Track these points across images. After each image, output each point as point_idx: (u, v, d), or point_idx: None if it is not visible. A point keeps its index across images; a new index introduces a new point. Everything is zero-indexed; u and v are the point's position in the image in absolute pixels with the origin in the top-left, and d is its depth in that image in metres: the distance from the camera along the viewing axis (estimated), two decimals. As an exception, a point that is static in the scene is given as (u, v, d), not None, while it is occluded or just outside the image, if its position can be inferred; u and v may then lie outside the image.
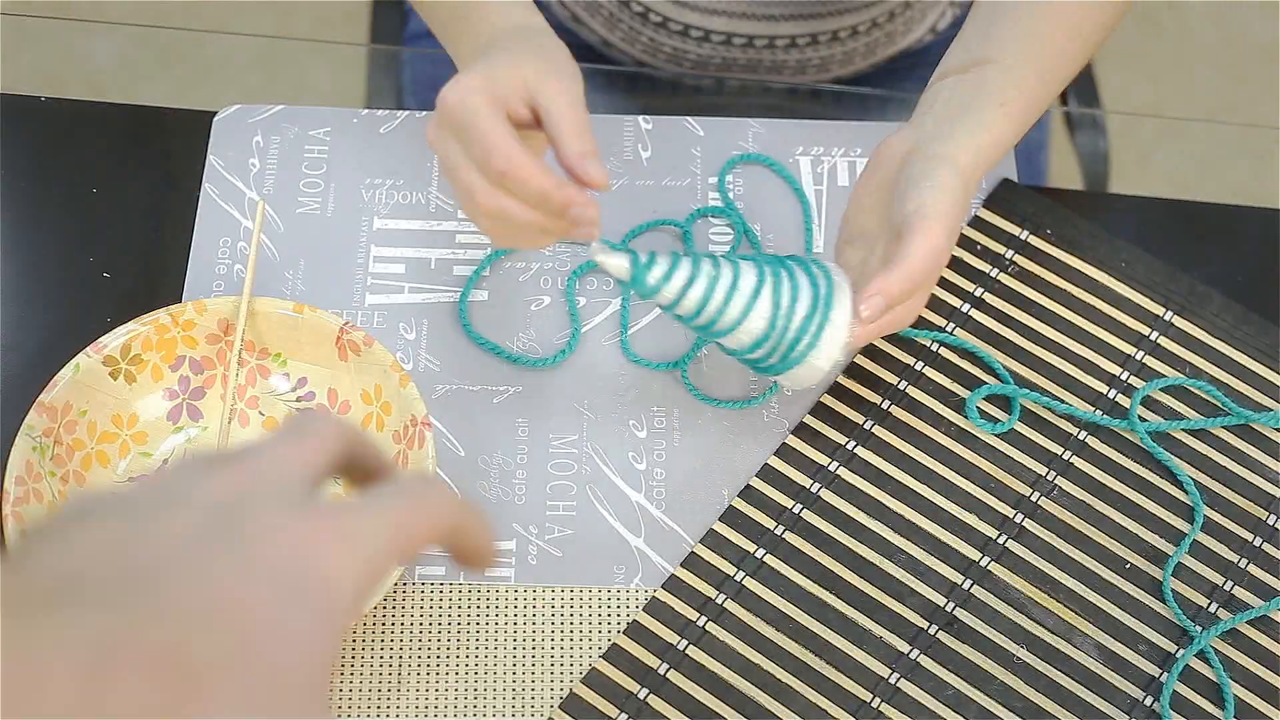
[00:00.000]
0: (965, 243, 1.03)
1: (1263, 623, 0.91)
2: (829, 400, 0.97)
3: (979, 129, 0.92)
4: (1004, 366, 0.98)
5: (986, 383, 0.98)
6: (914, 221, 0.88)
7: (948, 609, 0.91)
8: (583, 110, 0.85)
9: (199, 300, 0.95)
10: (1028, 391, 0.97)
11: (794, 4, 1.18)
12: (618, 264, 0.86)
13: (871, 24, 1.21)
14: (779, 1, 1.17)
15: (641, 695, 0.87)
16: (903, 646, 0.89)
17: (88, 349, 0.92)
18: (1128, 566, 0.93)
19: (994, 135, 0.93)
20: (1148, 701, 0.88)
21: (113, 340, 0.92)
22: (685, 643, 0.89)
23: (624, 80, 1.22)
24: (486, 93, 0.84)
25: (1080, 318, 1.01)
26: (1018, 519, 0.94)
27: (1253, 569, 0.93)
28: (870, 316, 0.88)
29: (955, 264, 1.02)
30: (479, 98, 0.83)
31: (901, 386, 0.98)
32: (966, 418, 0.96)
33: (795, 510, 0.93)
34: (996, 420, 0.97)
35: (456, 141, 0.84)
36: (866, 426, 0.96)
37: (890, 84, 1.28)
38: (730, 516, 0.93)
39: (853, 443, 0.96)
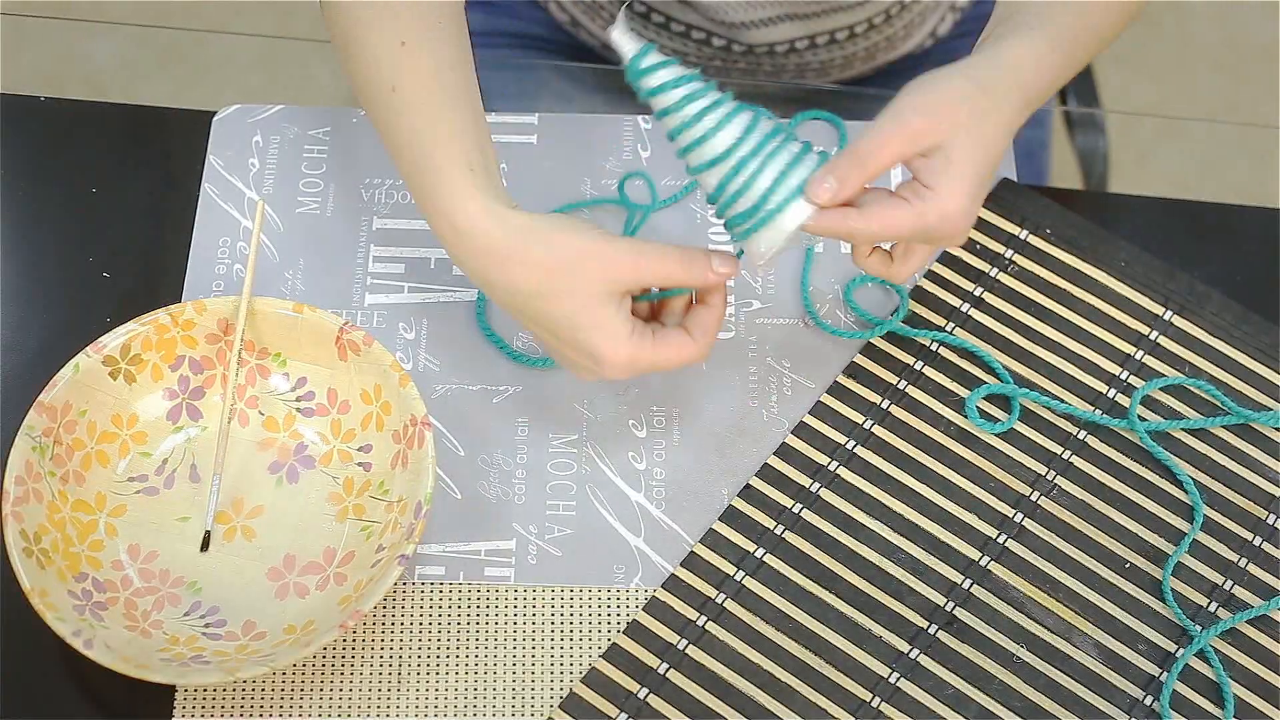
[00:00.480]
0: (966, 243, 1.03)
1: (1263, 622, 0.91)
2: (829, 400, 0.97)
3: (1002, 41, 0.87)
4: (1004, 366, 0.98)
5: (986, 382, 0.98)
6: (888, 109, 0.85)
7: (948, 608, 0.91)
8: (661, 255, 0.86)
9: (199, 300, 0.95)
10: (1027, 391, 0.97)
11: (789, 2, 1.18)
12: (624, 46, 0.86)
13: (869, 25, 1.21)
14: (774, 1, 1.17)
15: (641, 695, 0.87)
16: (903, 646, 0.89)
17: (88, 349, 0.92)
18: (1128, 566, 0.93)
19: (1026, 47, 0.86)
20: (1148, 701, 0.88)
21: (112, 340, 0.92)
22: (685, 642, 0.89)
23: (624, 80, 1.22)
24: (636, 343, 0.85)
25: (1080, 317, 1.01)
26: (1018, 519, 0.94)
27: (1253, 568, 0.93)
28: (822, 197, 0.83)
29: (955, 264, 1.02)
30: (642, 355, 0.85)
31: (901, 386, 0.98)
32: (966, 417, 0.96)
33: (795, 510, 0.93)
34: (996, 420, 0.97)
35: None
36: (866, 426, 0.96)
37: (892, 85, 1.27)
38: (730, 516, 0.93)
39: (853, 442, 0.96)
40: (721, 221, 0.87)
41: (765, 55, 1.22)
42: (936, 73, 0.86)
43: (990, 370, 0.98)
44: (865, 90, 1.24)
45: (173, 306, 0.94)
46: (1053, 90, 0.90)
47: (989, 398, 0.98)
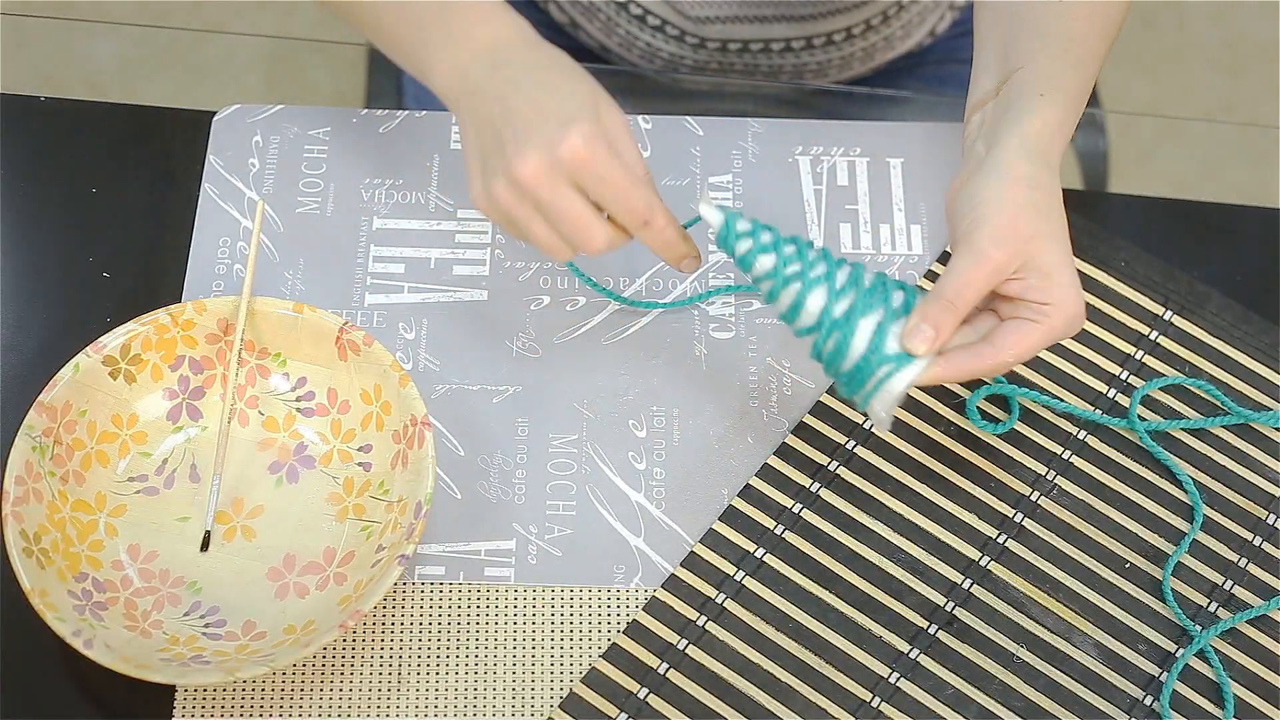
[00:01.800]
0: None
1: (1263, 622, 0.91)
2: (829, 400, 0.97)
3: (1021, 119, 0.88)
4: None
5: (986, 382, 0.98)
6: (959, 240, 0.86)
7: (947, 609, 0.91)
8: (629, 175, 0.85)
9: (199, 300, 0.95)
10: (1027, 390, 0.97)
11: (784, 4, 1.18)
12: (711, 218, 0.87)
13: (866, 26, 1.21)
14: (769, 2, 1.17)
15: (641, 695, 0.87)
16: (903, 646, 0.89)
17: (87, 349, 0.92)
18: (1127, 566, 0.93)
19: (1042, 120, 0.88)
20: (1147, 701, 0.88)
21: (112, 340, 0.92)
22: (685, 642, 0.89)
23: (624, 80, 1.22)
24: (604, 140, 0.84)
25: (1080, 317, 1.01)
26: (1018, 519, 0.94)
27: (1252, 568, 0.93)
28: (919, 348, 0.84)
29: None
30: (604, 148, 0.83)
31: (901, 386, 0.98)
32: (967, 417, 0.96)
33: (795, 510, 0.93)
34: (997, 420, 0.97)
35: (574, 189, 0.84)
36: (866, 426, 0.96)
37: (891, 84, 1.27)
38: (730, 516, 0.93)
39: (853, 443, 0.96)
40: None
41: (761, 54, 1.22)
42: (981, 183, 0.86)
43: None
44: (866, 90, 1.24)
45: (173, 306, 0.94)
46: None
47: (989, 398, 0.98)
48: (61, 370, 0.91)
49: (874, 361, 0.85)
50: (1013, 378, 0.98)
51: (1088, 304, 1.01)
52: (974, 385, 0.97)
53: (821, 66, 1.24)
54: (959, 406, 0.97)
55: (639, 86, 1.23)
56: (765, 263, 0.86)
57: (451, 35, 0.89)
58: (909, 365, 0.85)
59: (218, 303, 0.94)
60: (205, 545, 0.90)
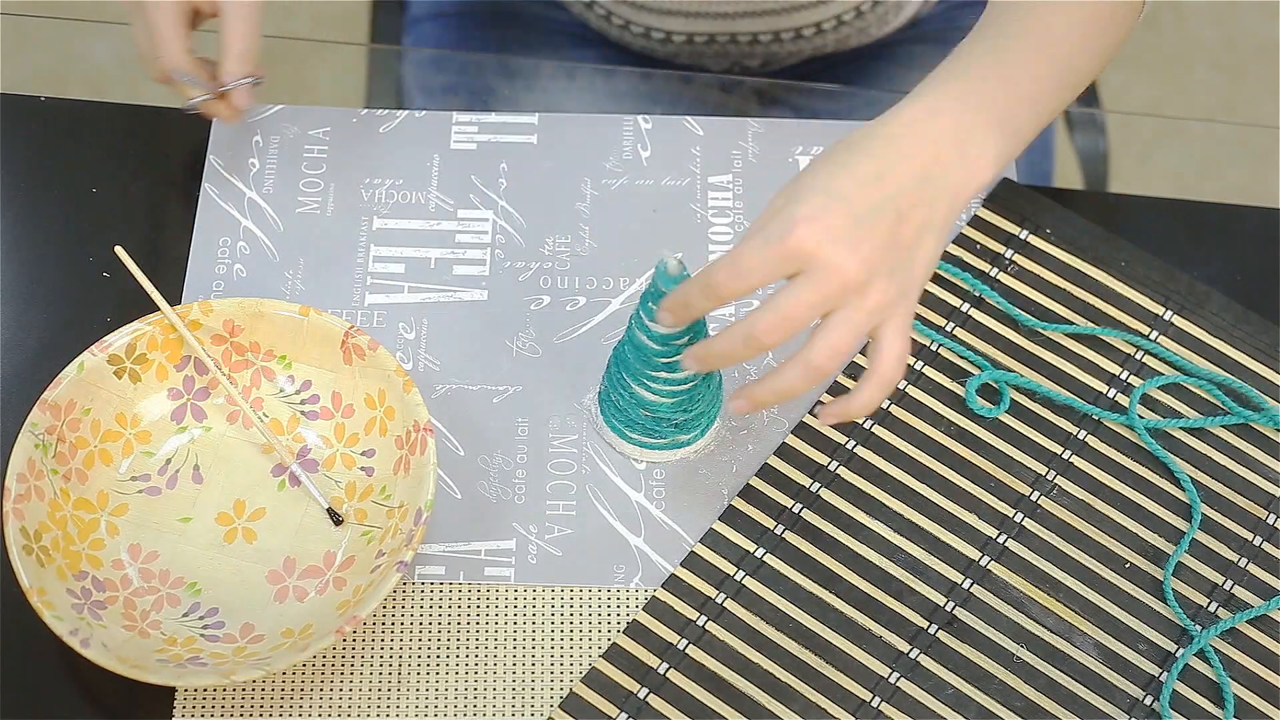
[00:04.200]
0: (965, 242, 1.03)
1: (1263, 622, 0.91)
2: (829, 400, 0.97)
3: (931, 84, 0.82)
4: (1004, 366, 0.98)
5: (979, 371, 0.98)
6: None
7: (948, 608, 0.91)
8: (254, 31, 0.97)
9: (205, 301, 0.95)
10: (1017, 376, 0.97)
11: (746, 1, 1.18)
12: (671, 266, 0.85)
13: (838, 21, 1.21)
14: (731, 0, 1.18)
15: (641, 695, 0.87)
16: (903, 646, 0.89)
17: (93, 347, 0.92)
18: (1128, 566, 0.93)
19: (963, 86, 0.81)
20: (1147, 701, 0.88)
21: (118, 339, 0.92)
22: (685, 642, 0.89)
23: (625, 80, 1.22)
24: None
25: (1080, 317, 1.01)
26: (1018, 518, 0.94)
27: (1252, 568, 0.93)
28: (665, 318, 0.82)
29: (955, 263, 1.02)
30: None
31: (902, 386, 0.98)
32: (967, 405, 0.96)
33: (795, 510, 0.93)
34: (996, 405, 0.97)
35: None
36: (866, 426, 0.96)
37: (890, 74, 1.27)
38: (730, 516, 0.93)
39: (853, 443, 0.96)
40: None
41: (730, 45, 1.22)
42: None
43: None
44: (867, 89, 1.24)
45: (179, 307, 0.94)
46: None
47: (984, 393, 0.98)
48: (66, 368, 0.91)
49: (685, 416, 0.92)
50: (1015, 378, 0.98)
51: (1087, 303, 1.01)
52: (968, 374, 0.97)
53: (792, 56, 1.24)
54: (959, 406, 0.97)
55: (639, 84, 1.24)
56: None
57: None
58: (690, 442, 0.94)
59: (224, 303, 0.94)
60: (338, 521, 0.91)
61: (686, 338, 0.88)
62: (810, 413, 0.95)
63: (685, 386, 0.91)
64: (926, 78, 0.84)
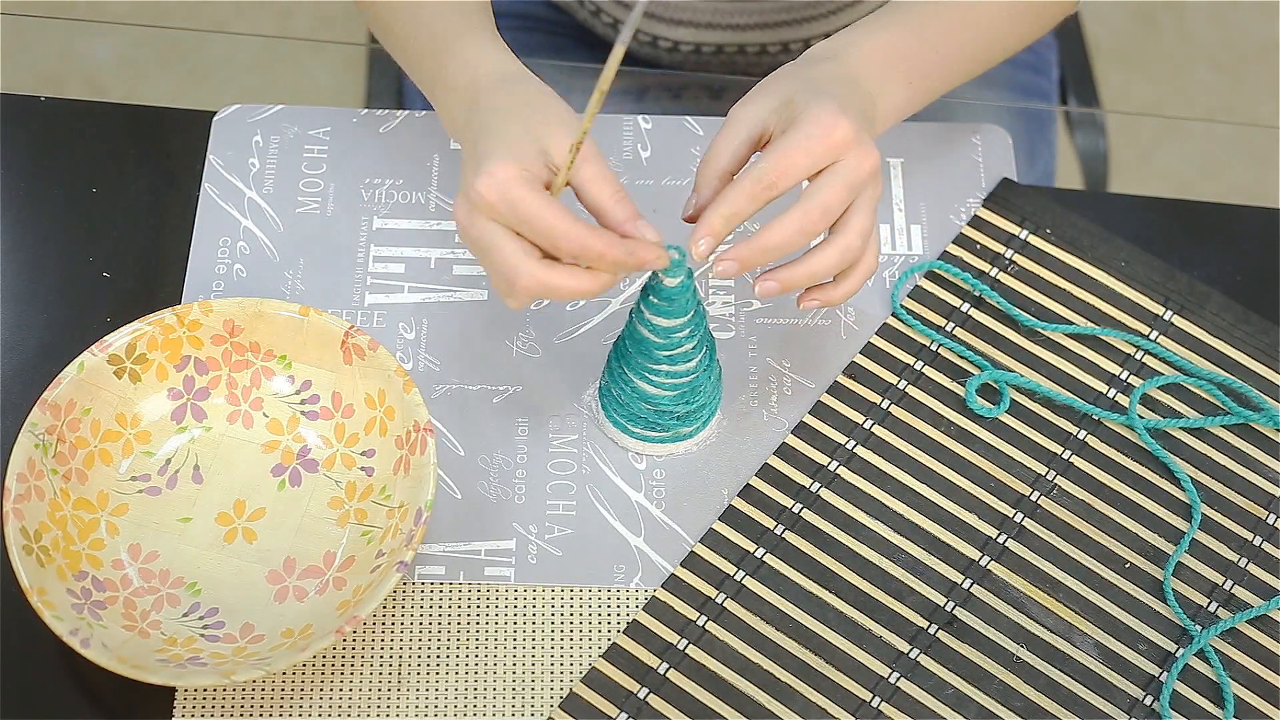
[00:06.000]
0: (965, 242, 1.03)
1: (1263, 622, 0.91)
2: (829, 400, 0.97)
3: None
4: (1004, 366, 0.98)
5: (979, 371, 0.98)
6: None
7: (948, 608, 0.91)
8: (605, 166, 0.85)
9: (205, 300, 0.95)
10: (1016, 376, 0.97)
11: (758, 12, 1.18)
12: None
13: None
14: (743, 10, 1.18)
15: (641, 695, 0.87)
16: (903, 646, 0.89)
17: (93, 347, 0.92)
18: (1128, 566, 0.93)
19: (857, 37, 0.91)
20: (1147, 701, 0.88)
21: (118, 339, 0.92)
22: (685, 642, 0.89)
23: (623, 79, 1.22)
24: (523, 181, 0.82)
25: (1080, 317, 1.01)
26: (1018, 518, 0.94)
27: (1253, 568, 0.93)
28: (699, 253, 0.84)
29: (955, 263, 1.02)
30: (519, 188, 0.82)
31: (901, 386, 0.98)
32: (967, 405, 0.96)
33: (795, 510, 0.93)
34: (996, 404, 0.97)
35: (495, 223, 0.83)
36: (866, 426, 0.96)
37: None
38: (730, 516, 0.93)
39: (853, 443, 0.96)
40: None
41: (737, 56, 1.22)
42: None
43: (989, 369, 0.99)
44: None
45: (179, 306, 0.94)
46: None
47: (985, 394, 0.98)
48: (66, 368, 0.91)
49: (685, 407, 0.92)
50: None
51: (1087, 303, 1.01)
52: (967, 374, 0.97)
53: None
54: (959, 406, 0.97)
55: (639, 83, 1.24)
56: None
57: (444, 81, 0.92)
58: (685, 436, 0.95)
59: (224, 303, 0.94)
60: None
61: (687, 330, 0.89)
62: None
63: (687, 379, 0.91)
64: (859, 24, 0.95)
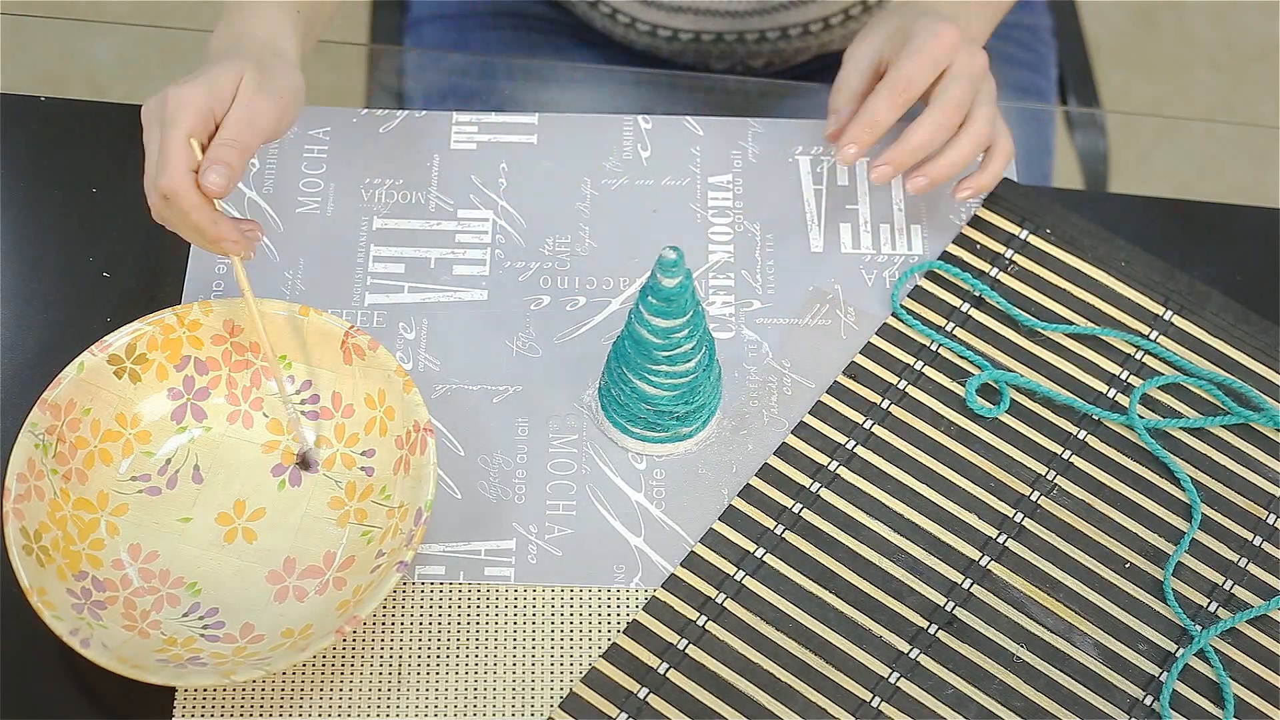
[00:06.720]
0: (965, 242, 1.03)
1: (1263, 622, 0.91)
2: (829, 400, 0.97)
3: None
4: (1004, 366, 0.98)
5: (979, 371, 0.98)
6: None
7: (948, 608, 0.91)
8: (250, 127, 0.88)
9: (205, 301, 0.95)
10: (1017, 376, 0.97)
11: None
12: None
13: (845, 16, 1.21)
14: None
15: (641, 695, 0.87)
16: (903, 646, 0.89)
17: (93, 347, 0.92)
18: (1128, 566, 0.93)
19: None
20: (1147, 701, 0.88)
21: (118, 339, 0.92)
22: (685, 642, 0.89)
23: (624, 79, 1.22)
24: (195, 107, 0.87)
25: (1080, 317, 1.01)
26: (1018, 518, 0.94)
27: (1253, 568, 0.93)
28: (846, 150, 0.97)
29: (955, 263, 1.02)
30: (188, 111, 0.87)
31: (901, 386, 0.98)
32: (967, 405, 0.96)
33: (795, 510, 0.93)
34: (996, 404, 0.97)
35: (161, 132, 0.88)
36: (866, 426, 0.96)
37: None
38: (730, 516, 0.93)
39: (853, 443, 0.96)
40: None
41: (736, 43, 1.22)
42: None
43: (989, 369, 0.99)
44: (827, 87, 1.24)
45: (179, 307, 0.94)
46: None
47: (985, 394, 0.98)
48: (66, 368, 0.91)
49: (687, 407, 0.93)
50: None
51: (1087, 303, 1.01)
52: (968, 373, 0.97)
53: (797, 54, 1.24)
54: (959, 406, 0.97)
55: (640, 83, 1.24)
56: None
57: (236, 15, 0.95)
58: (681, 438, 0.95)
59: (224, 304, 0.94)
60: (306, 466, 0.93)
61: (686, 330, 0.89)
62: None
63: (686, 379, 0.91)
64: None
